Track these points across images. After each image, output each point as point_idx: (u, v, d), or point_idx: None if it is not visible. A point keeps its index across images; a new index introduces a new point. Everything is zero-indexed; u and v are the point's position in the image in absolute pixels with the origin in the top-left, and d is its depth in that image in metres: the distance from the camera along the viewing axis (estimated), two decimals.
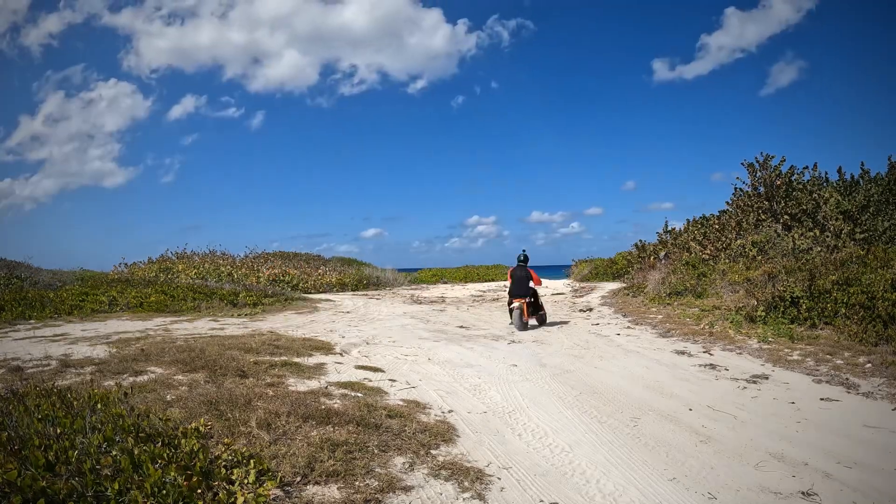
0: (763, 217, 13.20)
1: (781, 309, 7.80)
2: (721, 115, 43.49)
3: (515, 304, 9.27)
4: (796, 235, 11.62)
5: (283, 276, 19.79)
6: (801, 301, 7.64)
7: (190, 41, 38.20)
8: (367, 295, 18.48)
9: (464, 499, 2.87)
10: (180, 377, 5.00)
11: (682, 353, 6.99)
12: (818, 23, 36.97)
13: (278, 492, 2.75)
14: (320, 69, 41.73)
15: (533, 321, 9.62)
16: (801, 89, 39.02)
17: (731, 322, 8.17)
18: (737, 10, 39.10)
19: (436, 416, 4.31)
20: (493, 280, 27.03)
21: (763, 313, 7.92)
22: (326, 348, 7.15)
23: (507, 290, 9.68)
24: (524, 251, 9.68)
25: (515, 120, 48.07)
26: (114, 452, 2.57)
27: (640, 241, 21.12)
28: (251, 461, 2.84)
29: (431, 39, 40.83)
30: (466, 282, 26.23)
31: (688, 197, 47.93)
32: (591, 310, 12.33)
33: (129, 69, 37.35)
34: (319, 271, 21.59)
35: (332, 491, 2.82)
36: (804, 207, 12.62)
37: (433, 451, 3.49)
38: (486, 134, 49.31)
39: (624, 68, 44.68)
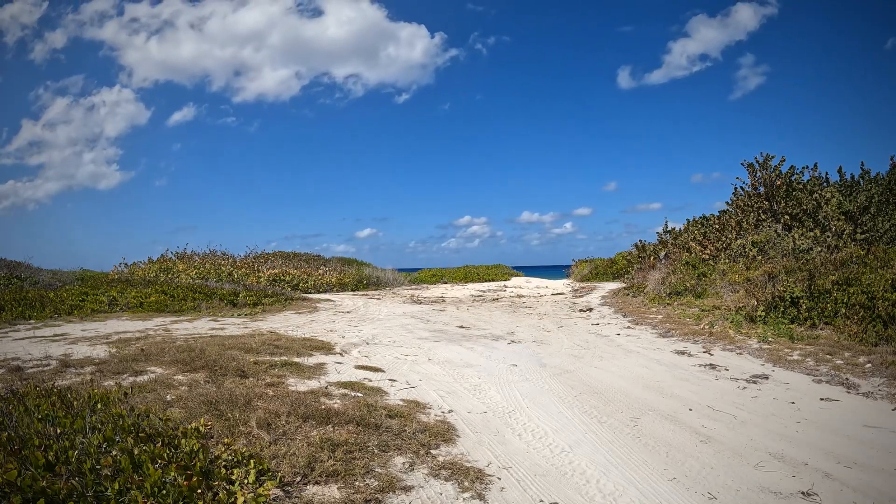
0: (763, 217, 13.20)
1: (781, 309, 7.80)
2: (696, 119, 44.01)
3: None
4: (796, 235, 11.61)
5: (283, 275, 19.77)
6: (801, 301, 7.64)
7: (170, 54, 38.48)
8: (367, 295, 18.48)
9: (464, 499, 2.87)
10: (180, 377, 5.00)
11: (682, 353, 6.99)
12: (782, 27, 37.43)
13: (278, 492, 2.75)
14: (302, 81, 42.00)
15: None
16: (770, 92, 39.37)
17: (731, 322, 8.17)
18: (705, 16, 39.49)
19: (436, 416, 4.31)
20: (493, 280, 27.04)
21: (763, 313, 7.92)
22: (326, 348, 7.15)
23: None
24: None
25: (499, 124, 48.68)
26: (114, 452, 2.57)
27: (640, 241, 21.16)
28: (251, 461, 2.85)
29: (412, 52, 41.26)
30: (466, 282, 26.22)
31: (672, 198, 48.19)
32: (591, 310, 12.33)
33: (123, 82, 37.75)
34: (319, 271, 21.57)
35: (332, 491, 2.82)
36: (805, 207, 12.62)
37: (433, 451, 3.49)
38: (472, 138, 49.64)
39: (598, 74, 45.05)
